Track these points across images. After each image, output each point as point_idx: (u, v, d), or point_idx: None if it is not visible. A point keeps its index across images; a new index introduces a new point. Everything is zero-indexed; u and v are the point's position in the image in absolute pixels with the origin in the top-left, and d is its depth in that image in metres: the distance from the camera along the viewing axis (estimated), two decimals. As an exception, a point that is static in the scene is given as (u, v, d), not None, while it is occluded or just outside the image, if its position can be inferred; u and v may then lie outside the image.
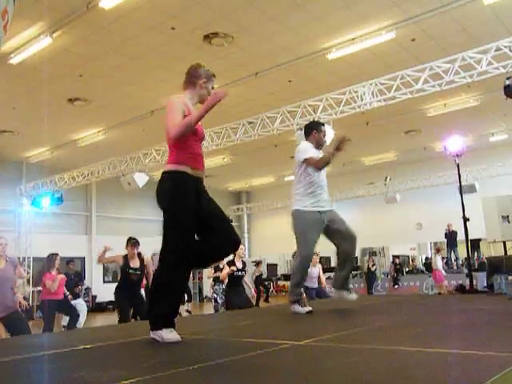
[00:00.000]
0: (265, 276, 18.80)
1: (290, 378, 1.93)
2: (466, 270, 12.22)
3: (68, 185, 15.13)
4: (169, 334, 2.79)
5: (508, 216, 7.61)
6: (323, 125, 4.75)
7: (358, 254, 23.37)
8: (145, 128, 13.67)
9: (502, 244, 7.67)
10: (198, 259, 3.03)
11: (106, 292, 17.40)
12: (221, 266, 8.37)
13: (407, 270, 19.47)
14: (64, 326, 8.69)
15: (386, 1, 8.24)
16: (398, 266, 17.45)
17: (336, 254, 4.54)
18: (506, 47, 7.97)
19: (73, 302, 8.93)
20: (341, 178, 18.28)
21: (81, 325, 9.17)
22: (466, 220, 7.56)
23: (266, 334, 3.08)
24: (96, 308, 17.17)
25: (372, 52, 9.82)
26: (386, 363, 2.07)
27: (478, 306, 4.70)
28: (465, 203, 7.66)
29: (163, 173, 3.03)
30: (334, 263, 23.58)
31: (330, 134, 9.78)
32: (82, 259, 18.36)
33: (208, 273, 9.97)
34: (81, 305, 9.67)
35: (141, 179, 12.84)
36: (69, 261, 10.83)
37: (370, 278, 17.27)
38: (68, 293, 8.75)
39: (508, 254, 7.58)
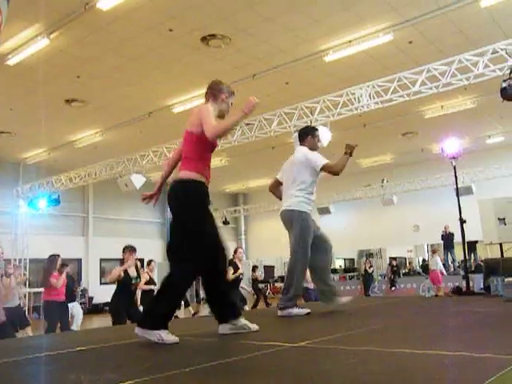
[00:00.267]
0: (262, 278, 18.75)
1: (288, 379, 1.93)
2: (462, 272, 12.23)
3: (65, 186, 15.09)
4: (169, 336, 2.82)
5: (504, 218, 7.63)
6: (317, 130, 4.82)
7: (355, 255, 23.47)
8: (142, 130, 13.67)
9: (499, 246, 7.69)
10: None
11: (102, 293, 17.35)
12: None
13: (404, 271, 19.51)
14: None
15: (384, 3, 8.27)
16: (394, 268, 17.49)
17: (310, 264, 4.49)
18: (502, 50, 7.99)
19: (69, 305, 8.88)
20: (338, 180, 18.04)
21: (78, 327, 9.15)
22: (462, 222, 7.57)
23: (263, 336, 3.08)
24: (92, 310, 17.11)
25: (369, 54, 9.84)
26: (383, 365, 2.07)
27: (475, 308, 4.70)
28: (461, 205, 7.67)
29: (185, 181, 3.05)
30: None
31: (327, 136, 9.80)
32: (79, 261, 18.34)
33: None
34: (76, 308, 9.64)
35: (138, 181, 12.82)
36: (63, 264, 10.76)
37: (367, 279, 17.30)
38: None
39: (504, 256, 7.59)
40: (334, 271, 20.13)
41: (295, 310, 4.25)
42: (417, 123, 14.22)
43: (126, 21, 8.38)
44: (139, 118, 12.85)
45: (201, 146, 3.10)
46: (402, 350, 2.36)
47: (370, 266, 17.53)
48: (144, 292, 8.33)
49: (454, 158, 8.13)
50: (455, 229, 11.25)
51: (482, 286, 6.87)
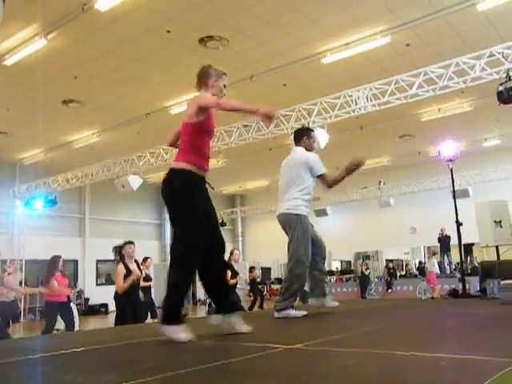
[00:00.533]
0: (259, 280, 18.73)
1: (284, 381, 1.93)
2: (458, 275, 12.25)
3: (62, 187, 15.06)
4: (183, 334, 2.88)
5: (500, 221, 7.67)
6: (313, 130, 4.85)
7: (352, 257, 23.49)
8: (139, 131, 13.65)
9: (495, 248, 7.71)
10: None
11: (98, 295, 17.35)
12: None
13: (401, 274, 19.53)
14: (57, 330, 8.63)
15: (381, 6, 8.29)
16: (391, 270, 17.50)
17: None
18: (499, 53, 8.02)
19: None
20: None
21: (76, 329, 9.12)
22: (459, 224, 7.59)
23: (260, 338, 3.07)
24: (89, 311, 17.06)
25: (367, 57, 9.86)
26: (380, 367, 2.07)
27: (471, 310, 4.71)
28: (458, 208, 7.69)
29: (172, 169, 3.08)
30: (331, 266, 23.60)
31: (324, 138, 9.82)
32: (76, 262, 18.29)
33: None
34: (72, 309, 9.62)
35: (135, 182, 12.81)
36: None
37: (364, 281, 17.31)
38: None
39: (501, 258, 7.61)
40: (331, 273, 20.13)
41: (292, 312, 4.24)
42: (414, 126, 14.25)
43: (124, 22, 8.38)
44: (136, 119, 12.84)
45: (194, 137, 3.11)
46: (399, 352, 2.37)
47: (367, 268, 17.54)
48: (142, 288, 8.32)
49: (450, 160, 8.16)
50: (452, 231, 11.29)
51: (478, 289, 6.88)
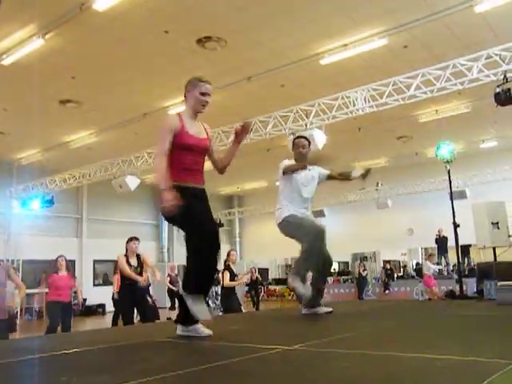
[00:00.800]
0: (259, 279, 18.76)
1: (280, 382, 1.93)
2: (456, 276, 12.28)
3: (59, 187, 15.02)
4: (206, 329, 3.07)
5: (498, 222, 7.68)
6: (297, 138, 4.86)
7: (349, 258, 23.51)
8: (137, 131, 13.63)
9: (492, 250, 7.72)
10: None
11: (95, 295, 17.31)
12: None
13: (398, 275, 19.54)
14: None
15: (379, 8, 8.30)
16: (388, 272, 17.52)
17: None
18: (496, 55, 8.04)
19: None
20: (332, 183, 18.23)
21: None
22: (456, 226, 7.61)
23: (257, 339, 3.07)
24: (86, 311, 17.02)
25: (364, 58, 9.87)
26: (376, 368, 2.07)
27: (468, 311, 4.72)
28: (455, 209, 7.71)
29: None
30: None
31: (321, 139, 9.82)
32: (73, 262, 18.23)
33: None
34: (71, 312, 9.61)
35: (132, 182, 12.80)
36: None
37: (361, 283, 17.31)
38: None
39: (498, 259, 7.63)
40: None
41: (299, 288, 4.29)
42: (411, 127, 14.28)
43: (122, 22, 8.37)
44: (134, 120, 12.82)
45: (173, 153, 3.12)
46: (396, 353, 2.37)
47: (364, 270, 17.55)
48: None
49: (447, 162, 8.17)
50: (449, 232, 11.30)
51: (475, 290, 6.91)
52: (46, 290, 8.10)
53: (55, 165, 16.04)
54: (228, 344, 2.94)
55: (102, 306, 17.21)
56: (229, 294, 7.97)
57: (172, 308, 13.34)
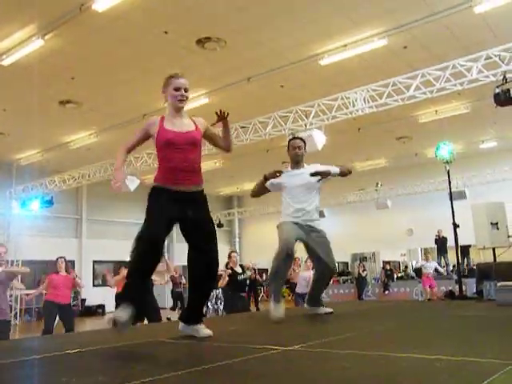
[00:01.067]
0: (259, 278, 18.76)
1: (281, 383, 1.93)
2: (455, 276, 12.28)
3: (58, 187, 15.02)
4: (206, 329, 3.12)
5: (497, 223, 7.67)
6: (291, 139, 4.81)
7: (349, 259, 23.48)
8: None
9: (492, 250, 7.72)
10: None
11: (95, 296, 17.30)
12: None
13: (397, 275, 19.53)
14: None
15: (378, 8, 8.31)
16: (388, 272, 17.50)
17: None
18: (496, 56, 8.05)
19: None
20: (332, 184, 18.25)
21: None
22: (455, 226, 7.60)
23: (256, 339, 3.07)
24: (85, 312, 17.02)
25: (364, 58, 9.88)
26: (375, 369, 2.07)
27: (468, 312, 4.72)
28: (455, 210, 7.70)
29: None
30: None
31: (321, 140, 9.83)
32: (72, 262, 18.23)
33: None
34: (72, 313, 9.60)
35: (132, 183, 12.80)
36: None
37: (361, 283, 17.29)
38: None
39: (497, 260, 7.62)
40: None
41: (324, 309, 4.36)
42: (411, 128, 14.28)
43: (121, 23, 8.37)
44: (134, 120, 12.79)
45: (159, 154, 3.22)
46: (395, 353, 2.37)
47: (364, 270, 17.52)
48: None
49: (447, 162, 8.18)
50: (448, 233, 11.31)
51: (474, 291, 6.90)
52: (44, 291, 8.08)
53: (55, 165, 16.05)
54: (228, 344, 2.94)
55: (102, 306, 17.21)
56: (232, 294, 7.94)
57: (173, 308, 13.35)
